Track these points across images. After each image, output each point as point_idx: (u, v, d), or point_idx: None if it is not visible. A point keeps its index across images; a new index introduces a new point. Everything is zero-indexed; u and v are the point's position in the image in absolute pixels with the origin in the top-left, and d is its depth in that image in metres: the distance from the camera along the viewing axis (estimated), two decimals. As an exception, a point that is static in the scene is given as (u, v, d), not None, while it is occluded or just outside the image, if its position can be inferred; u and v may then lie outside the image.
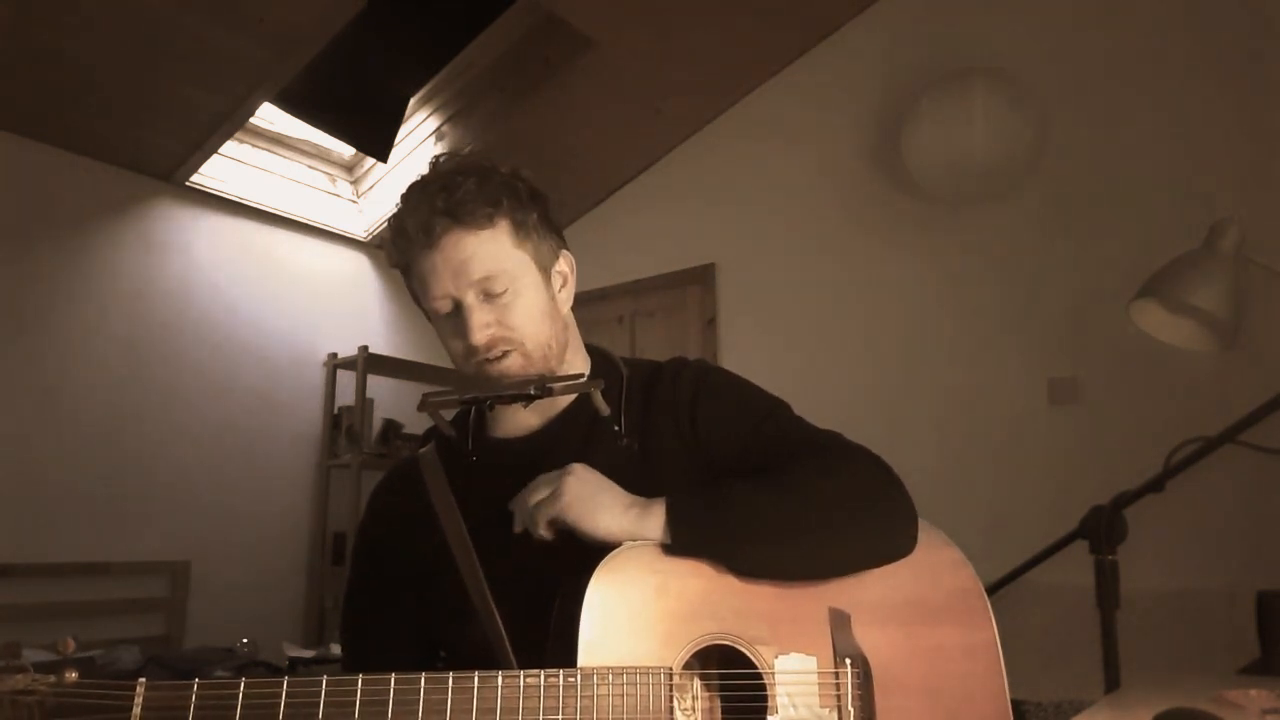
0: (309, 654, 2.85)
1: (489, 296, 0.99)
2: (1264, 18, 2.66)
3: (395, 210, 1.04)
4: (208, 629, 3.25)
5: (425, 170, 1.04)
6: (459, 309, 1.00)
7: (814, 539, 0.93)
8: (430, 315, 1.04)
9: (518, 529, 0.95)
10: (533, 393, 0.96)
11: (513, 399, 0.98)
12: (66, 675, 0.78)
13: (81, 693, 0.76)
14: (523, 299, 1.01)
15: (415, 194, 1.01)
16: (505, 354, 1.00)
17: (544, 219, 1.05)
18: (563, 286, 1.09)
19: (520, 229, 1.02)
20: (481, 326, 0.99)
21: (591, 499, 0.92)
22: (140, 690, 0.77)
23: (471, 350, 1.00)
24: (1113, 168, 2.87)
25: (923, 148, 2.94)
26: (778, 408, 1.08)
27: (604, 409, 0.98)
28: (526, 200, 1.03)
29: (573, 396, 1.07)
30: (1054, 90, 2.95)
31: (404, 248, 1.02)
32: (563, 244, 1.10)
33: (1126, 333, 2.34)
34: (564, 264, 1.09)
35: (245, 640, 2.96)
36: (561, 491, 0.92)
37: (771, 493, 0.94)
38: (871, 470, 0.99)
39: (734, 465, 1.02)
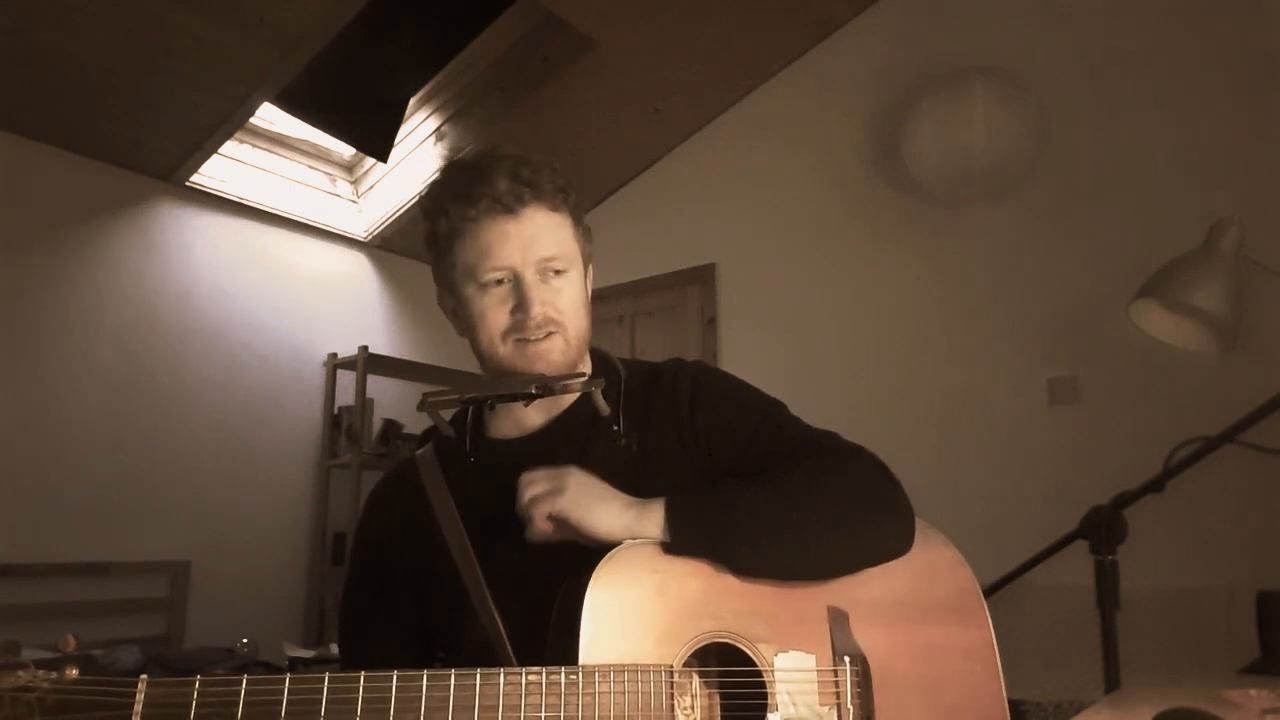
0: (309, 654, 2.84)
1: (545, 277, 1.01)
2: (1265, 17, 2.66)
3: (450, 178, 1.04)
4: (208, 629, 3.24)
5: (484, 154, 1.04)
6: (516, 282, 1.00)
7: (812, 539, 0.93)
8: (462, 290, 1.02)
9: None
10: (534, 391, 0.96)
11: (514, 398, 0.98)
12: (67, 672, 0.76)
13: (82, 689, 0.75)
14: (573, 287, 1.04)
15: (489, 163, 1.01)
16: (550, 335, 1.00)
17: (585, 226, 1.10)
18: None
19: (578, 223, 1.07)
20: (540, 301, 1.00)
21: (590, 496, 0.92)
22: (142, 687, 0.76)
23: (519, 324, 0.99)
24: (1113, 168, 2.87)
25: (923, 148, 2.94)
26: (775, 408, 1.08)
27: (605, 408, 0.98)
28: (579, 202, 1.08)
29: (573, 397, 1.07)
30: (1054, 90, 2.95)
31: (462, 213, 1.00)
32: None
33: (1126, 333, 2.35)
34: (590, 271, 1.13)
35: (245, 640, 2.95)
36: (563, 487, 0.92)
37: (770, 493, 0.94)
38: (869, 470, 1.00)
39: (733, 466, 1.02)
